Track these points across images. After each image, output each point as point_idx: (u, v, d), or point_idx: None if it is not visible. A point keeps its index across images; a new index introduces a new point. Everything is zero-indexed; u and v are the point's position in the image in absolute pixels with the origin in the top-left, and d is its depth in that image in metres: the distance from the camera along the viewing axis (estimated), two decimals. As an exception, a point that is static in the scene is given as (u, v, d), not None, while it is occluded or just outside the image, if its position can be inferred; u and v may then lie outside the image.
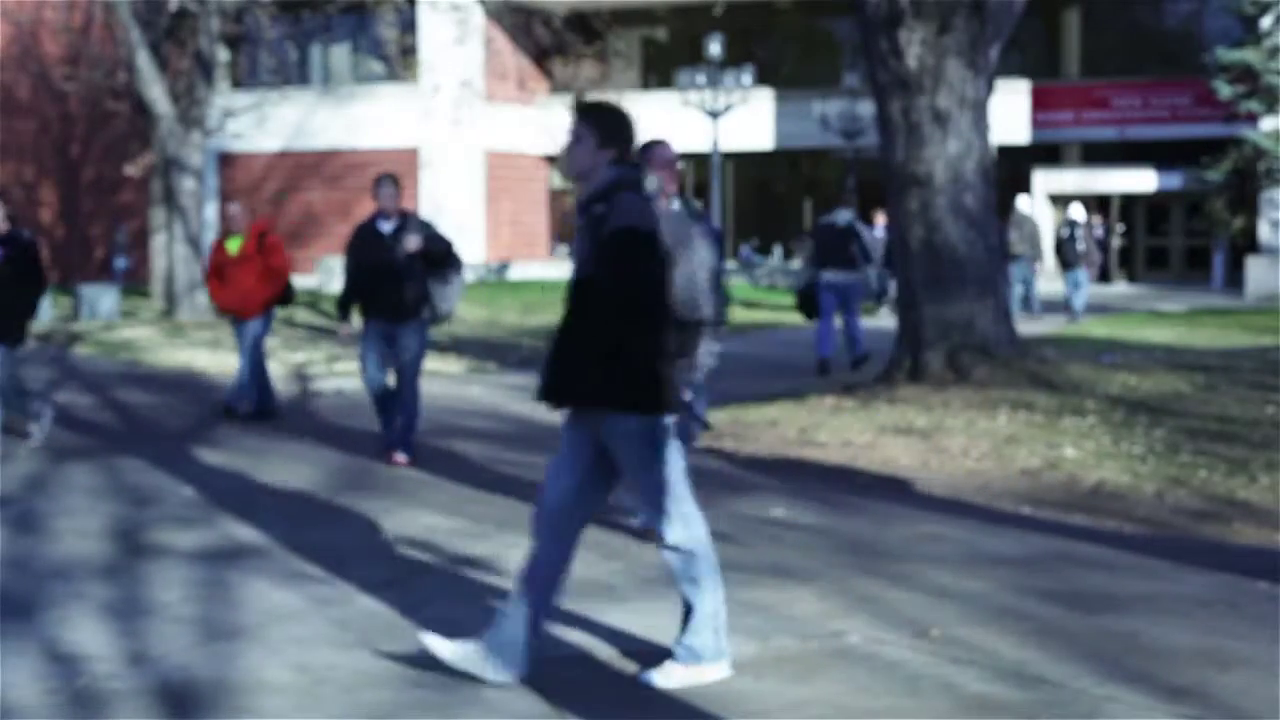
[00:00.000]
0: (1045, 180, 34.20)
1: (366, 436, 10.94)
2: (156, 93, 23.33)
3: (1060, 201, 33.76)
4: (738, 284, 30.46)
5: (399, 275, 9.50)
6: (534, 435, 11.07)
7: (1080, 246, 22.51)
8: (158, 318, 23.43)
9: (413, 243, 9.44)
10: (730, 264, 33.92)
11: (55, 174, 36.54)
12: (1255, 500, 8.14)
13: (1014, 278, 20.99)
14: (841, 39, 36.18)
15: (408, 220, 9.73)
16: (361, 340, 9.77)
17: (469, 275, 32.42)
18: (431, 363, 15.54)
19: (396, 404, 9.72)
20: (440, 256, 9.57)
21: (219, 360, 16.51)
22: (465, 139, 35.25)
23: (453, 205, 34.40)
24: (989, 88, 12.46)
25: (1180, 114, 32.57)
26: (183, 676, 5.12)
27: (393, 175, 9.82)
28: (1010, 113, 31.87)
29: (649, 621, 5.78)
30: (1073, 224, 22.77)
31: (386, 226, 9.67)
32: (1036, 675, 5.07)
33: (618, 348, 4.77)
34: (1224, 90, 29.31)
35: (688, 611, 5.06)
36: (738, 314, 23.17)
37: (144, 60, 23.16)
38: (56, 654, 5.37)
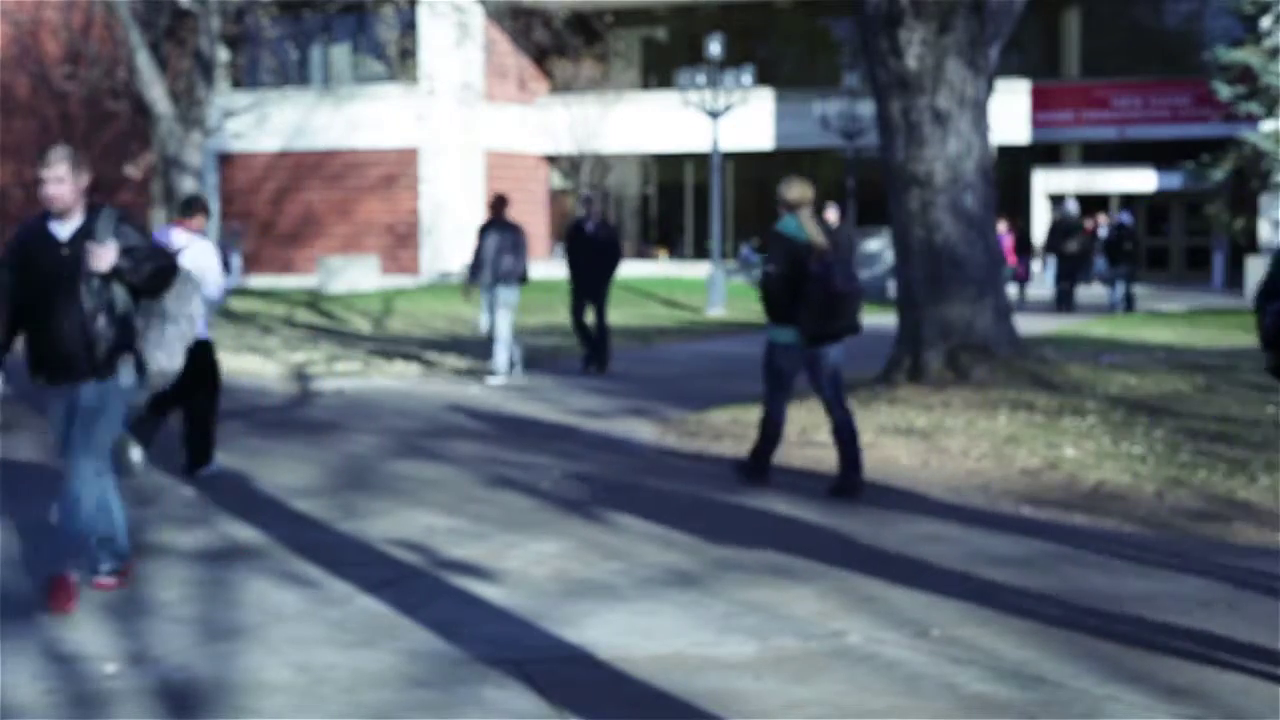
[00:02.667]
0: (1045, 180, 34.22)
1: (367, 437, 10.95)
2: (156, 93, 23.34)
3: (1058, 201, 33.79)
4: (737, 284, 30.48)
5: (75, 306, 6.07)
6: (534, 435, 11.07)
7: (1127, 246, 24.65)
8: (158, 318, 23.39)
9: (101, 258, 6.00)
10: (730, 264, 33.93)
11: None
12: (1255, 500, 8.14)
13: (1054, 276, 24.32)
14: (841, 39, 36.21)
15: (97, 219, 6.16)
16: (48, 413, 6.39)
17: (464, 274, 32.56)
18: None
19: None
20: (149, 280, 6.16)
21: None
22: (465, 139, 35.27)
23: (453, 205, 34.42)
24: (989, 88, 12.46)
25: (1180, 114, 32.58)
26: (183, 676, 5.12)
27: (65, 148, 6.34)
28: (1010, 113, 31.91)
29: (649, 622, 5.78)
30: (1120, 225, 24.64)
31: (61, 230, 6.17)
32: (1036, 675, 5.07)
33: None
34: (1223, 91, 29.32)
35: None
36: (737, 314, 23.20)
37: (144, 60, 23.17)
38: (56, 654, 5.37)
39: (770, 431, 8.77)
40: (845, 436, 8.52)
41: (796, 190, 8.41)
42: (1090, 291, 27.49)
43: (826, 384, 8.57)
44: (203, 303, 7.66)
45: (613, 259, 15.46)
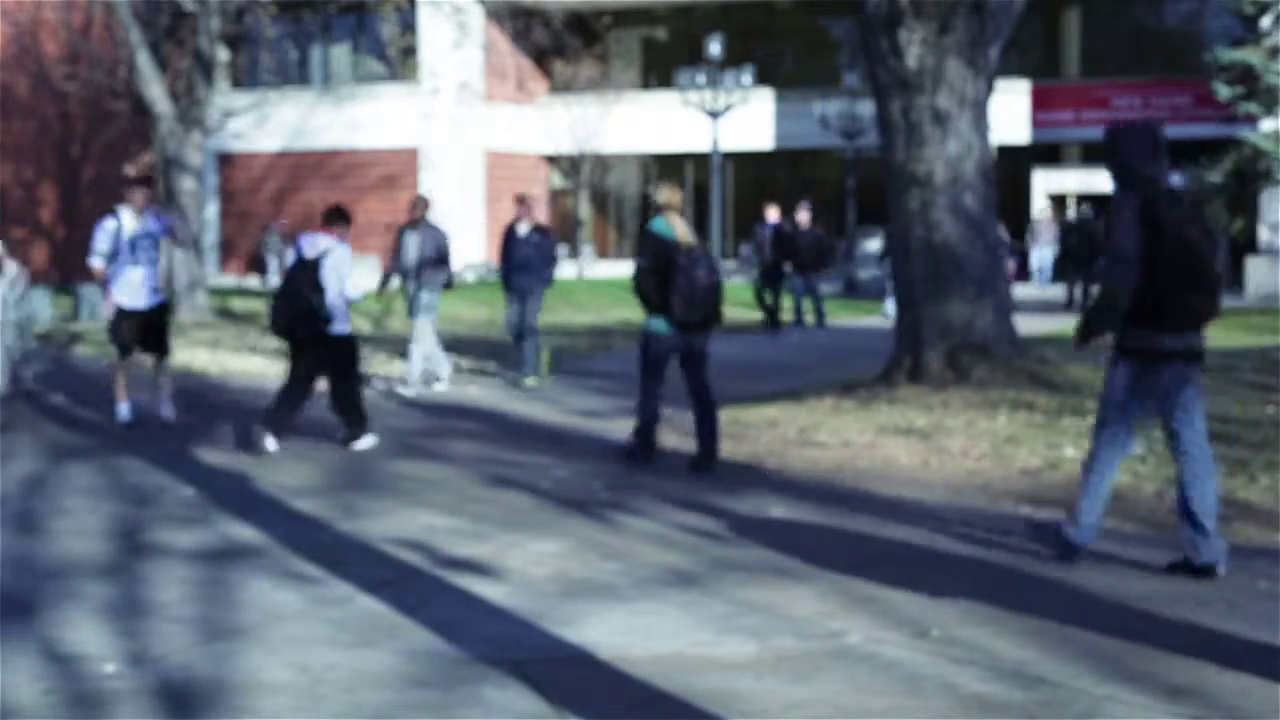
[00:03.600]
0: (1045, 180, 34.23)
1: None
2: (156, 92, 23.34)
3: (1058, 201, 33.80)
4: (738, 284, 30.46)
5: None
6: (534, 435, 11.08)
7: None
8: (158, 318, 23.40)
9: None
10: (730, 264, 33.93)
11: (55, 174, 36.54)
12: (1255, 500, 8.14)
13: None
14: (841, 39, 36.20)
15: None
16: None
17: (469, 275, 32.54)
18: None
19: None
20: None
21: (219, 360, 16.51)
22: (465, 139, 35.26)
23: (453, 205, 34.42)
24: (989, 88, 12.46)
25: (1180, 114, 32.57)
26: (183, 676, 5.12)
27: None
28: (1010, 113, 31.90)
29: (649, 622, 5.78)
30: None
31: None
32: (1036, 675, 5.07)
33: None
34: (1223, 91, 29.32)
35: None
36: (737, 314, 23.15)
37: (144, 60, 23.17)
38: (56, 654, 5.37)
39: (647, 411, 9.58)
40: (707, 415, 9.42)
41: (665, 194, 9.42)
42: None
43: (694, 368, 9.48)
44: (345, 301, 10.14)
45: (544, 263, 14.44)
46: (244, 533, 7.51)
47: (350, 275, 10.39)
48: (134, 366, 11.84)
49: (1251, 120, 29.74)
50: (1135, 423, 6.57)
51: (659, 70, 37.55)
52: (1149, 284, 6.33)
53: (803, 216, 21.86)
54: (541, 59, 37.66)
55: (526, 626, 5.74)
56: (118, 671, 5.16)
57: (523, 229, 14.52)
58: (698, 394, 9.47)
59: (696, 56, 32.56)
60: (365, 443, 10.37)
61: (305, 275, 10.23)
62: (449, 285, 13.94)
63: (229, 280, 34.25)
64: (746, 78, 31.35)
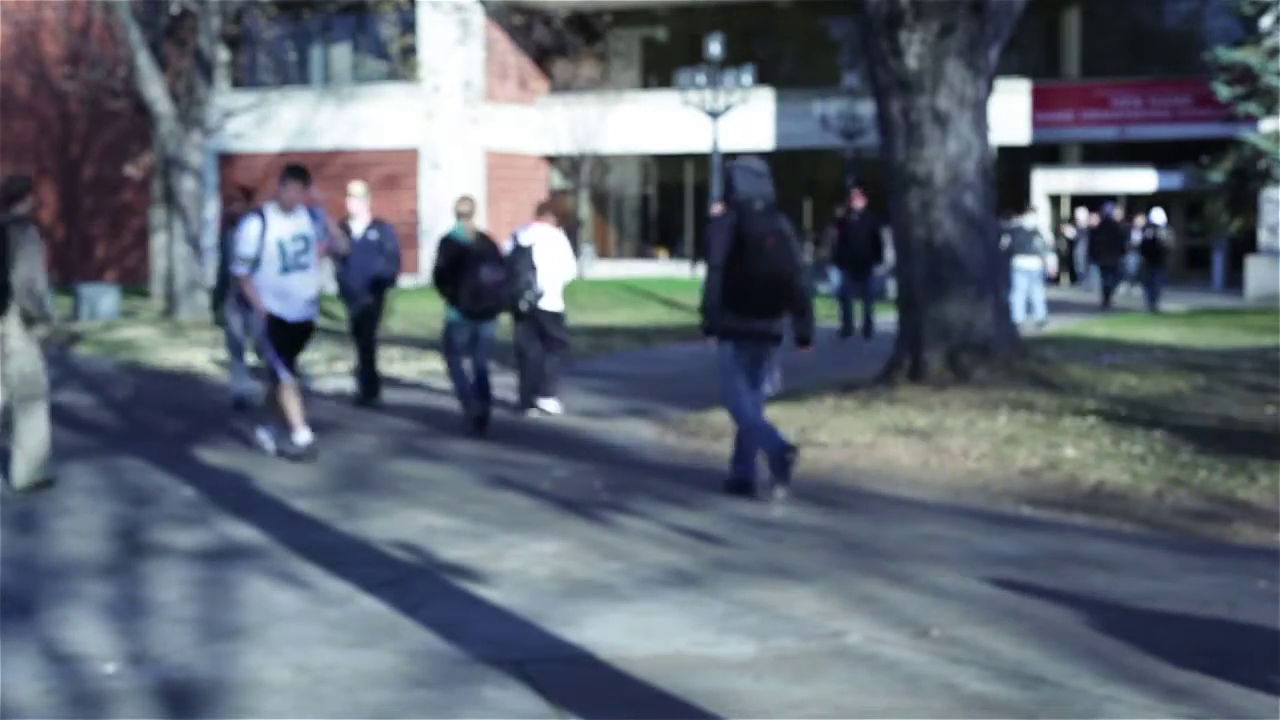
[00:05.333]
0: (1045, 180, 34.22)
1: (367, 437, 10.95)
2: (156, 92, 23.35)
3: (1056, 201, 33.83)
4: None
5: None
6: (534, 435, 11.08)
7: (1167, 246, 26.53)
8: (157, 318, 23.44)
9: None
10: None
11: (55, 174, 36.55)
12: (1255, 500, 8.14)
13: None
14: (841, 39, 36.19)
15: None
16: None
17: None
18: (430, 361, 15.55)
19: None
20: None
21: (220, 359, 16.50)
22: (466, 139, 35.26)
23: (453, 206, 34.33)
24: (989, 88, 12.47)
25: (1180, 114, 32.57)
26: (183, 676, 5.12)
27: None
28: (1010, 113, 31.89)
29: (649, 622, 5.78)
30: (1155, 226, 25.96)
31: None
32: (1036, 675, 5.07)
33: None
34: (1223, 91, 29.33)
35: None
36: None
37: (144, 60, 23.18)
38: (56, 654, 5.37)
39: (457, 386, 11.32)
40: (482, 383, 11.16)
41: (461, 205, 11.33)
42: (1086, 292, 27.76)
43: (477, 349, 11.24)
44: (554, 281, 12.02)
45: (387, 268, 12.57)
46: (244, 533, 7.51)
47: (568, 259, 12.33)
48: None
49: (1251, 120, 29.74)
50: (744, 381, 8.47)
51: (659, 70, 37.55)
52: (738, 283, 8.19)
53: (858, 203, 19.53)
54: (542, 59, 37.65)
55: (526, 626, 5.74)
56: (118, 671, 5.16)
57: (359, 229, 12.82)
58: (478, 368, 11.21)
59: (696, 56, 32.56)
60: (551, 406, 12.10)
61: (524, 258, 11.86)
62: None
63: None
64: (746, 78, 31.34)
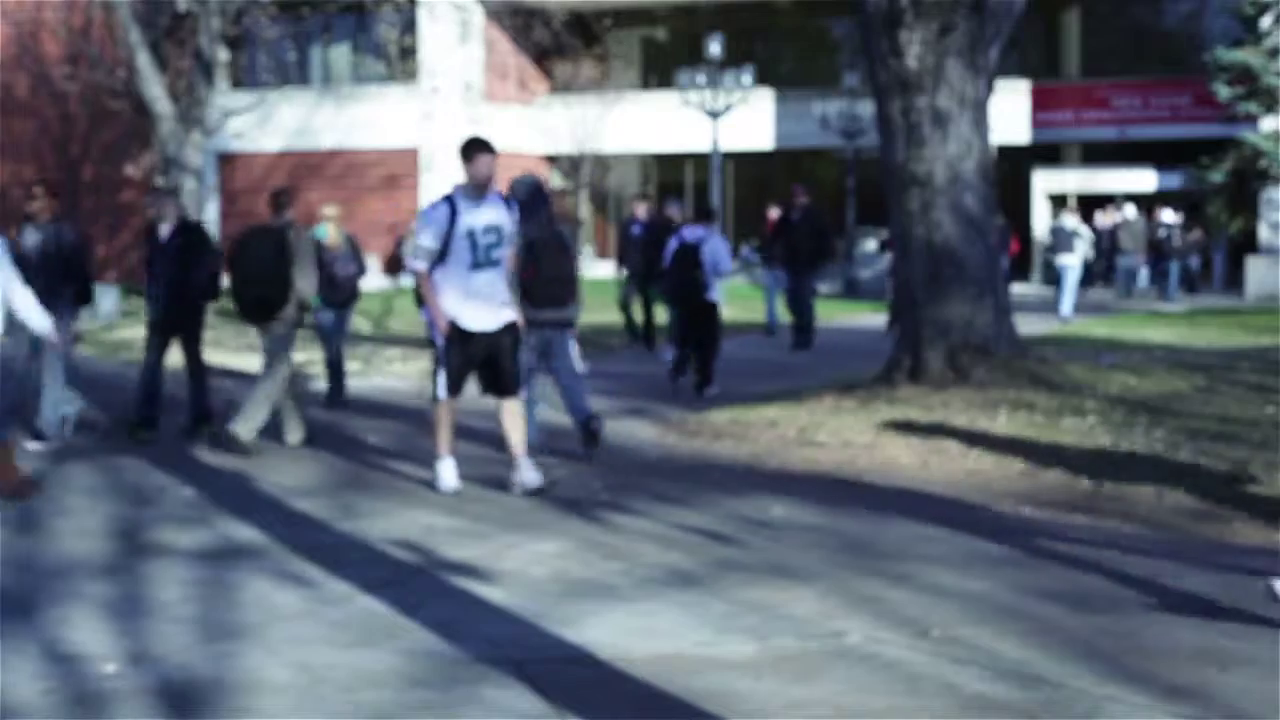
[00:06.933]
0: (1045, 180, 34.22)
1: (367, 437, 10.95)
2: (156, 92, 23.35)
3: (1058, 201, 33.80)
4: (738, 284, 30.46)
5: None
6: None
7: (1177, 244, 27.87)
8: (158, 318, 23.37)
9: None
10: (730, 264, 33.93)
11: (55, 174, 36.51)
12: (1255, 500, 8.14)
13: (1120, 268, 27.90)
14: (841, 39, 36.22)
15: None
16: None
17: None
18: (429, 361, 15.52)
19: None
20: None
21: (219, 360, 16.49)
22: (465, 139, 35.27)
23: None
24: (989, 88, 12.47)
25: (1180, 114, 32.59)
26: (183, 676, 5.12)
27: None
28: (1010, 113, 31.89)
29: (649, 622, 5.78)
30: (1168, 225, 27.34)
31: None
32: (1036, 675, 5.07)
33: None
34: (1223, 91, 29.34)
35: None
36: (737, 314, 23.16)
37: (144, 60, 23.18)
38: (56, 654, 5.37)
39: (330, 363, 12.99)
40: (336, 371, 12.90)
41: (326, 209, 12.89)
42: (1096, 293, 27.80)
43: (335, 335, 12.88)
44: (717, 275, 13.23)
45: (200, 272, 11.59)
46: (244, 533, 7.51)
47: (725, 256, 13.39)
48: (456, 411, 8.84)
49: (1251, 120, 29.75)
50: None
51: (659, 70, 37.55)
52: (532, 280, 9.36)
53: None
54: (542, 59, 37.64)
55: (526, 626, 5.74)
56: (118, 671, 5.16)
57: (165, 230, 11.98)
58: (331, 352, 12.94)
59: (696, 56, 32.56)
60: (712, 390, 12.97)
61: (688, 255, 13.05)
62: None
63: (228, 280, 34.22)
64: (746, 78, 31.35)
